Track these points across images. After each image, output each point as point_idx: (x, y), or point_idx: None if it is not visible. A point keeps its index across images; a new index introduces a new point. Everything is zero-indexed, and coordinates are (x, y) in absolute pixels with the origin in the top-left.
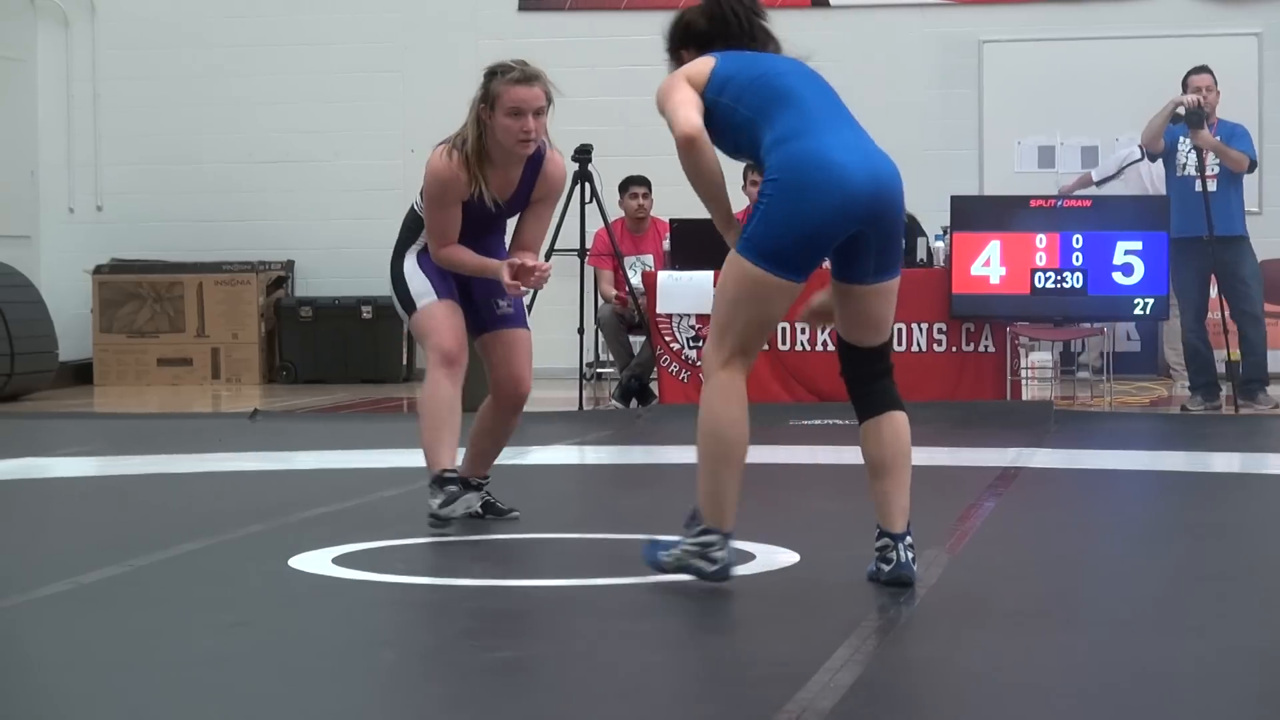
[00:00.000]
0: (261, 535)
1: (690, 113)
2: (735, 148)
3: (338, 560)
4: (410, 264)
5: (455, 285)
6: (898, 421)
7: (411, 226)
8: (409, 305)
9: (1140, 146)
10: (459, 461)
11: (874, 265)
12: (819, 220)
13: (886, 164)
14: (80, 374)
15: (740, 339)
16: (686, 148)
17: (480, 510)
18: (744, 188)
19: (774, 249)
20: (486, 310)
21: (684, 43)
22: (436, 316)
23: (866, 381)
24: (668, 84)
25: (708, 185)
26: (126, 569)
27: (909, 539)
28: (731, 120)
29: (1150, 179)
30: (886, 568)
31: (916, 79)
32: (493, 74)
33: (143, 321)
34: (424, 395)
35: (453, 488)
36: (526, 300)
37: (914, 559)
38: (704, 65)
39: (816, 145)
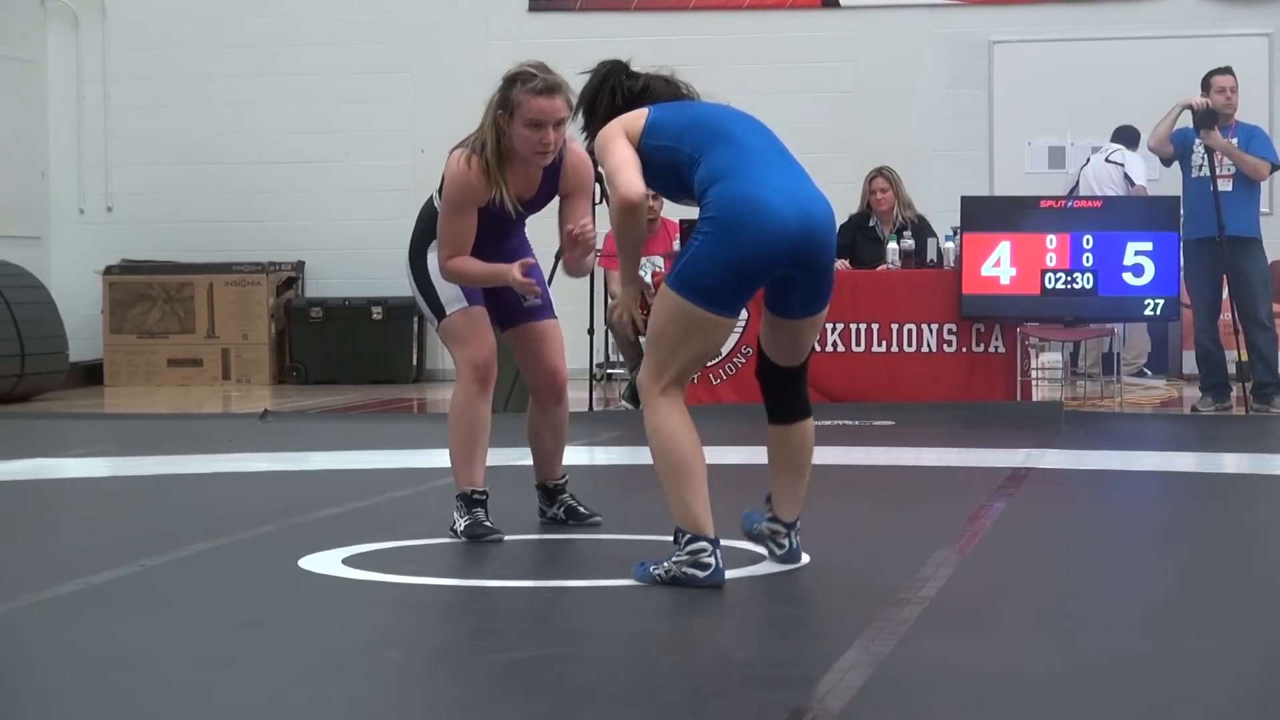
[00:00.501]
0: (271, 536)
1: (632, 175)
2: (678, 187)
3: (348, 561)
4: (435, 264)
5: (481, 289)
6: (806, 429)
7: (430, 222)
8: (438, 311)
9: (1150, 149)
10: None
11: (800, 304)
12: (747, 260)
13: (819, 205)
14: (91, 374)
15: (679, 371)
16: (629, 212)
17: (563, 516)
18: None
19: (706, 285)
20: (512, 304)
21: (612, 113)
22: (468, 326)
23: (781, 388)
24: (605, 138)
25: (634, 245)
26: (136, 569)
27: (798, 526)
28: (672, 160)
29: (1096, 180)
30: (779, 550)
31: (926, 79)
32: (513, 81)
33: (153, 322)
34: (456, 409)
35: (480, 512)
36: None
37: (799, 544)
38: (638, 116)
39: (749, 186)
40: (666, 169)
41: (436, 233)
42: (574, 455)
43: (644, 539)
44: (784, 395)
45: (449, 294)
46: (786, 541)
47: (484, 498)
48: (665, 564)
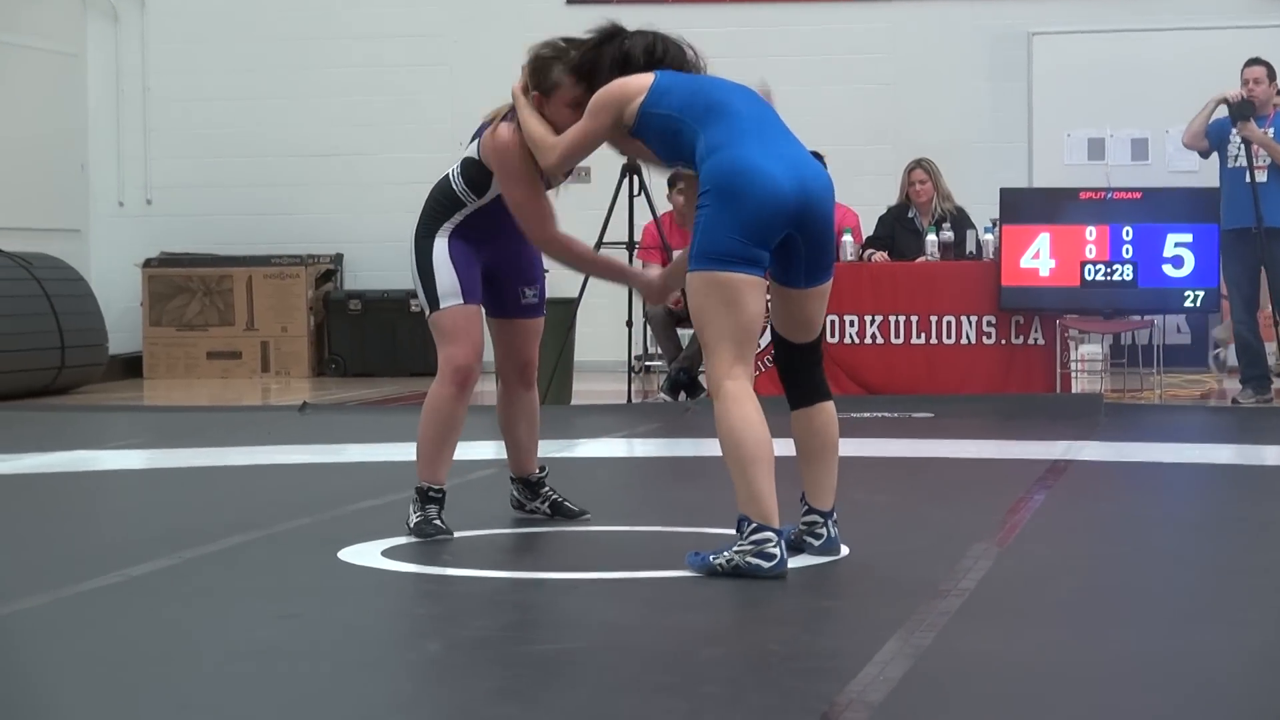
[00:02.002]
0: (310, 528)
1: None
2: (674, 153)
3: (386, 553)
4: (441, 251)
5: (480, 277)
6: (828, 411)
7: (444, 203)
8: (433, 301)
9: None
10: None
11: (805, 270)
12: (750, 220)
13: (815, 172)
14: (130, 367)
15: (733, 347)
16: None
17: (548, 511)
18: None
19: (724, 249)
20: (511, 297)
21: (619, 70)
22: (459, 324)
23: (799, 372)
24: (592, 106)
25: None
26: (176, 561)
27: (835, 516)
28: (674, 128)
29: None
30: (816, 542)
31: (966, 72)
32: (552, 61)
33: (192, 315)
34: (429, 404)
35: (434, 509)
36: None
37: (838, 534)
38: (644, 78)
39: (744, 153)
40: (667, 135)
41: (455, 210)
42: (612, 447)
43: (684, 531)
44: (802, 378)
45: (446, 286)
46: (824, 530)
47: (440, 495)
48: (727, 553)
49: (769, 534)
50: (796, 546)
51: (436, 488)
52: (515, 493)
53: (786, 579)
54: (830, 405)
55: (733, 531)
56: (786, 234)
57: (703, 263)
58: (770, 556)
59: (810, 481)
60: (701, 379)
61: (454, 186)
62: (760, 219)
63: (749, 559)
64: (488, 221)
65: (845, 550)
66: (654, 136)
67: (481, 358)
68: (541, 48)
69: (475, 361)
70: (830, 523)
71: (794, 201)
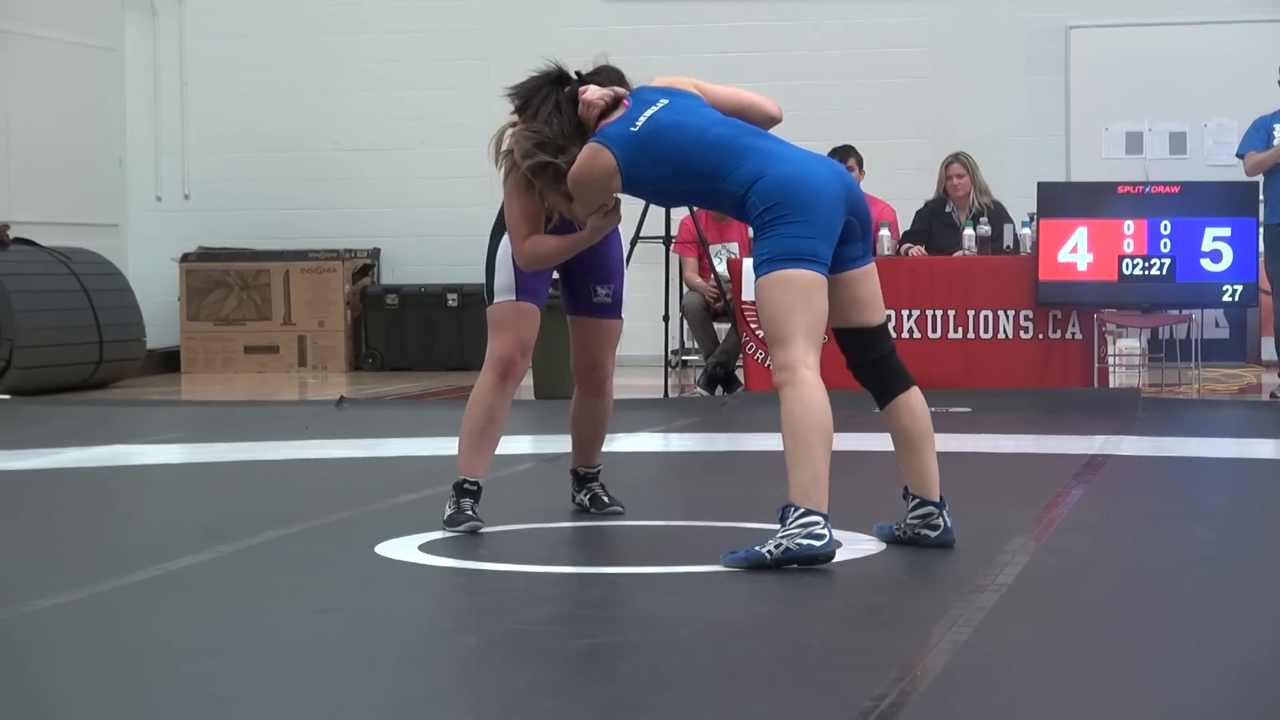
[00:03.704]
0: (348, 522)
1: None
2: (680, 200)
3: (424, 547)
4: (504, 248)
5: (545, 280)
6: (920, 397)
7: None
8: (489, 294)
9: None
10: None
11: (861, 248)
12: (822, 217)
13: (834, 161)
14: (168, 361)
15: (809, 338)
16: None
17: (587, 503)
18: None
19: (797, 249)
20: (584, 294)
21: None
22: (509, 318)
23: (879, 364)
24: (580, 191)
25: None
26: (214, 555)
27: (946, 504)
28: (674, 192)
29: None
30: (933, 533)
31: (1003, 66)
32: (547, 165)
33: (229, 309)
34: (473, 398)
35: (467, 501)
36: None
37: (953, 523)
38: (604, 164)
39: (787, 170)
40: (672, 198)
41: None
42: (649, 442)
43: (721, 526)
44: (883, 370)
45: (503, 282)
46: (940, 521)
47: (475, 489)
48: (774, 541)
49: (816, 517)
50: (911, 541)
51: (471, 480)
52: (571, 484)
53: (827, 573)
54: (916, 391)
55: (770, 526)
56: (846, 219)
57: (775, 265)
58: (820, 537)
59: (916, 473)
60: (738, 374)
61: None
62: (828, 215)
63: (799, 540)
64: (562, 220)
65: (882, 545)
66: (654, 198)
67: (527, 352)
68: (522, 139)
69: (518, 353)
70: (944, 512)
71: (838, 186)
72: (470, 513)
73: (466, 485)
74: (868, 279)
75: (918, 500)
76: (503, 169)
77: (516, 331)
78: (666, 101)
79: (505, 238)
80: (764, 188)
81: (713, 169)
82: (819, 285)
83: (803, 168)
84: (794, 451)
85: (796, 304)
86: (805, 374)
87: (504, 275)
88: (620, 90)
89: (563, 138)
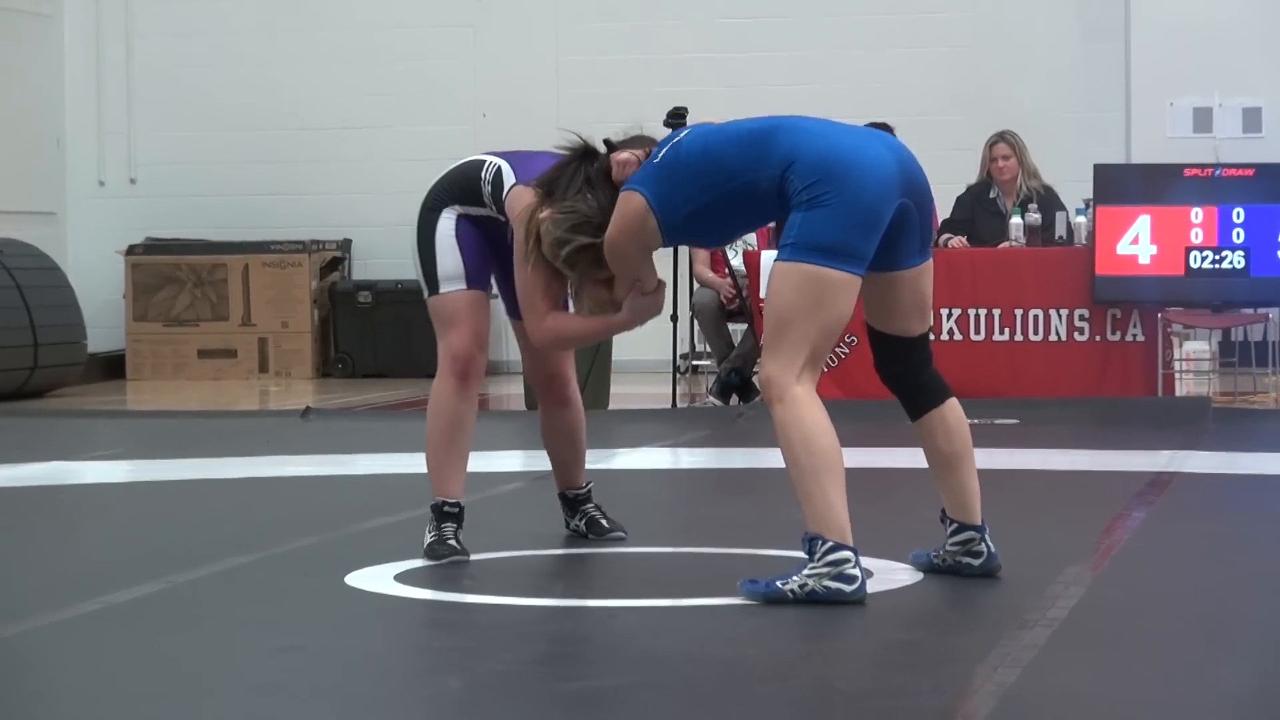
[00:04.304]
0: (315, 549)
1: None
2: (734, 228)
3: (400, 577)
4: (446, 228)
5: (494, 266)
6: (958, 409)
7: (464, 186)
8: (431, 283)
9: None
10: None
11: (919, 243)
12: (871, 198)
13: (890, 137)
14: (111, 367)
15: (813, 350)
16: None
17: (584, 529)
18: None
19: (833, 241)
20: None
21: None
22: (460, 310)
23: (916, 373)
24: (617, 259)
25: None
26: (164, 586)
27: (987, 529)
28: (712, 218)
29: None
30: (976, 561)
31: (1055, 32)
32: (584, 249)
33: (181, 308)
34: (432, 406)
35: (449, 527)
36: None
37: (996, 550)
38: (635, 208)
39: (828, 144)
40: (713, 222)
41: (477, 196)
42: (655, 458)
43: (736, 553)
44: (921, 379)
45: (450, 269)
46: (982, 548)
47: (456, 511)
48: (798, 578)
49: (846, 553)
50: (950, 570)
51: (450, 502)
52: (562, 510)
53: (844, 605)
54: (955, 403)
55: (791, 553)
56: (900, 204)
57: (801, 254)
58: (851, 579)
59: (954, 494)
60: (756, 380)
61: (482, 186)
62: (877, 200)
63: (826, 583)
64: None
65: (919, 574)
66: (699, 234)
67: (485, 346)
68: (552, 224)
69: (476, 349)
70: (986, 537)
71: (897, 166)
72: (453, 541)
73: (445, 508)
74: (921, 280)
75: (956, 525)
76: (528, 248)
77: (471, 323)
78: (687, 130)
79: (445, 217)
80: (804, 164)
81: (743, 160)
82: (847, 288)
83: (852, 141)
84: (800, 482)
85: (811, 310)
86: (797, 391)
87: (449, 260)
88: (651, 147)
89: (601, 214)
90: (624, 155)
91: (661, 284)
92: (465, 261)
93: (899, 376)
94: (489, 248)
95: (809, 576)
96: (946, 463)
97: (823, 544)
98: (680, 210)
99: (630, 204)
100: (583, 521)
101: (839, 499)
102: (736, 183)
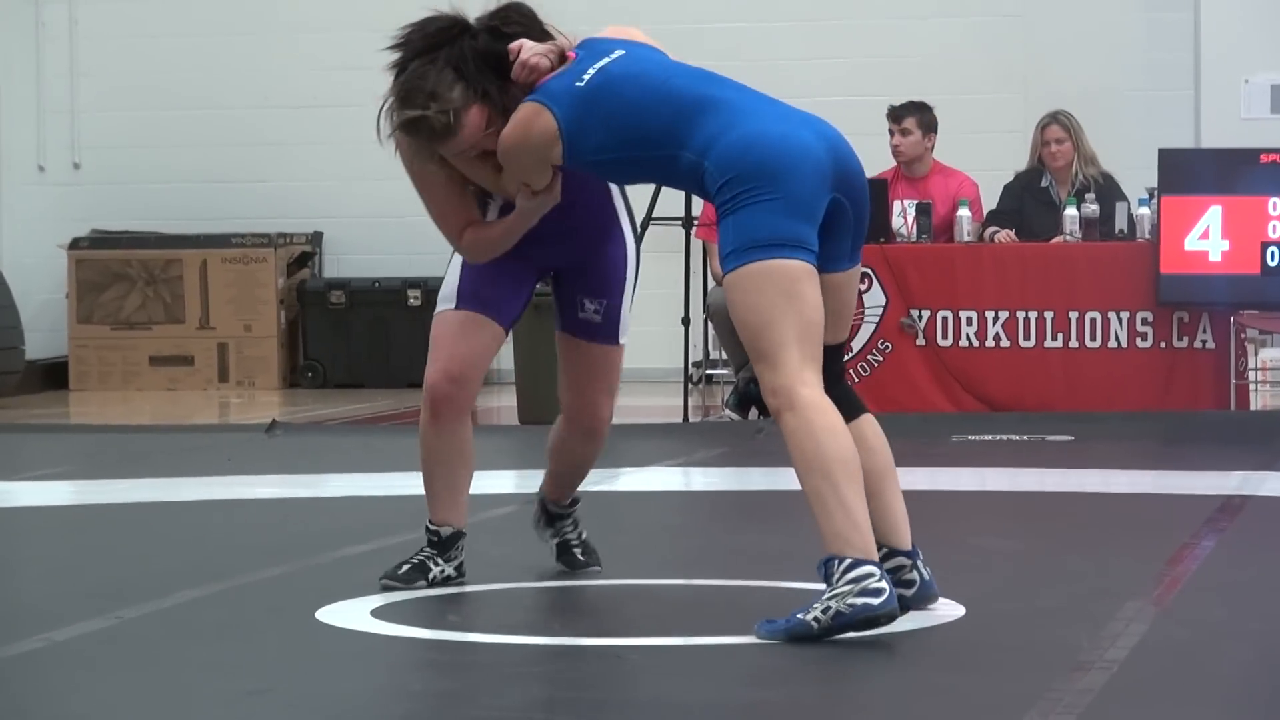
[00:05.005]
0: (282, 580)
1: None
2: (630, 176)
3: (377, 612)
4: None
5: (505, 283)
6: (876, 424)
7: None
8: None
9: None
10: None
11: (851, 242)
12: (796, 190)
13: (823, 122)
14: (52, 376)
15: (801, 347)
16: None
17: (554, 549)
18: None
19: (769, 234)
20: (569, 310)
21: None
22: (440, 336)
23: (830, 385)
24: (511, 161)
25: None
26: (113, 622)
27: (920, 554)
28: (616, 167)
29: None
30: (908, 591)
31: (1115, 1)
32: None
33: (131, 310)
34: (419, 435)
35: (424, 553)
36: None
37: (932, 576)
38: (544, 128)
39: (754, 127)
40: (619, 174)
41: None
42: (665, 478)
43: (755, 585)
44: (833, 391)
45: (448, 288)
46: (915, 574)
47: (438, 539)
48: (820, 605)
49: (869, 568)
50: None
51: (434, 527)
52: (536, 517)
53: (888, 646)
54: (873, 418)
55: (803, 585)
56: (832, 200)
57: (744, 256)
58: (878, 592)
59: (880, 516)
60: None
61: None
62: (804, 187)
63: (851, 600)
64: (554, 213)
65: (960, 609)
66: (603, 176)
67: (464, 379)
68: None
69: (444, 382)
70: (920, 562)
71: (828, 156)
72: (408, 567)
73: (429, 527)
74: (848, 286)
75: (886, 550)
76: (399, 157)
77: (445, 352)
78: (623, 52)
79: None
80: (723, 153)
81: (668, 131)
82: (808, 277)
83: (777, 127)
84: (818, 494)
85: (779, 303)
86: (805, 394)
87: (449, 275)
88: (564, 42)
89: (435, 84)
90: (530, 55)
91: (556, 176)
92: (461, 277)
93: None
94: (528, 254)
95: (831, 599)
96: (869, 483)
97: (840, 563)
98: (589, 155)
99: (540, 121)
100: (555, 542)
101: (861, 512)
102: (655, 153)
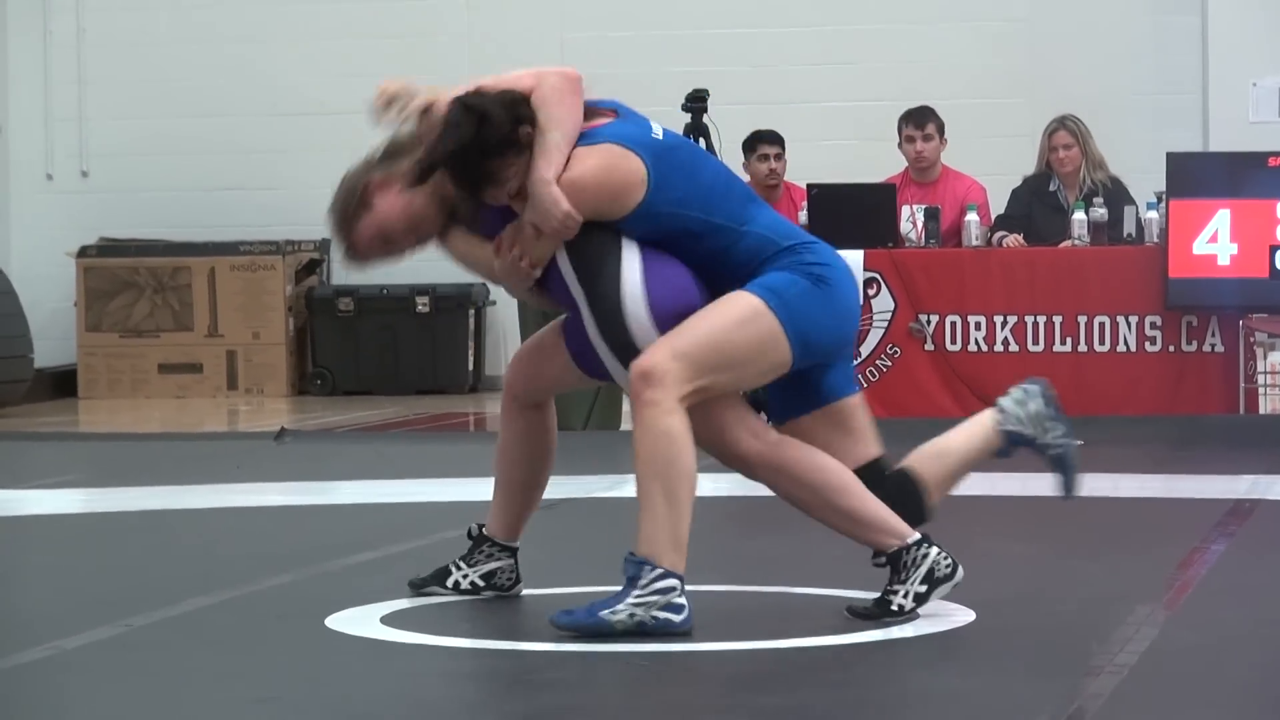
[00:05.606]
0: (291, 588)
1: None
2: (691, 252)
3: (387, 620)
4: None
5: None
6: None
7: None
8: None
9: None
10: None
11: (848, 368)
12: (851, 323)
13: None
14: (61, 384)
15: (715, 385)
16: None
17: (475, 581)
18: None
19: (810, 327)
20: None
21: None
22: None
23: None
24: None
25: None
26: (121, 630)
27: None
28: (687, 231)
29: None
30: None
31: (1123, 4)
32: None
33: (139, 318)
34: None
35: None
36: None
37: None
38: (632, 170)
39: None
40: (682, 241)
41: None
42: None
43: (763, 591)
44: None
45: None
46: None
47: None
48: (624, 606)
49: (674, 580)
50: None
51: (475, 526)
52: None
53: (899, 652)
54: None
55: (827, 591)
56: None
57: (780, 306)
58: (679, 608)
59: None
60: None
61: None
62: (850, 326)
63: (655, 613)
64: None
65: (971, 613)
66: (660, 236)
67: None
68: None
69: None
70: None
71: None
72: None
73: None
74: (863, 406)
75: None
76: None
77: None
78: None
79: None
80: (818, 248)
81: (740, 206)
82: (777, 371)
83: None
84: (651, 492)
85: (750, 358)
86: (679, 412)
87: None
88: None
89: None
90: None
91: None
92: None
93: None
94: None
95: (636, 606)
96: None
97: (651, 570)
98: (666, 208)
99: (627, 165)
100: (475, 575)
101: (686, 526)
102: (723, 223)
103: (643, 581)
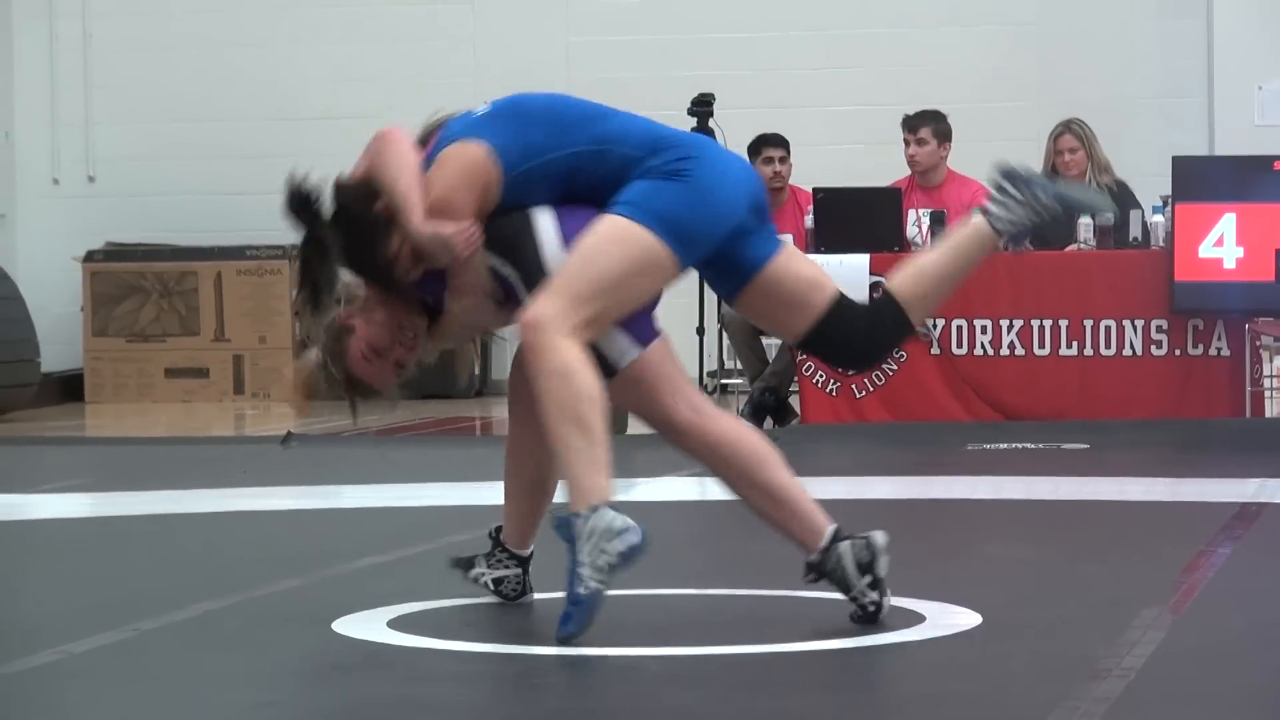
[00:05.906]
0: (298, 592)
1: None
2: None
3: (394, 624)
4: None
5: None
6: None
7: None
8: None
9: None
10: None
11: (768, 230)
12: (734, 200)
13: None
14: (68, 388)
15: (601, 311)
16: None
17: (490, 579)
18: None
19: (679, 223)
20: None
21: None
22: None
23: (861, 311)
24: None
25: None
26: (129, 634)
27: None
28: (565, 167)
29: None
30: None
31: (1128, 8)
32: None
33: (146, 322)
34: None
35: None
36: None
37: None
38: (473, 155)
39: (714, 146)
40: (554, 181)
41: None
42: (679, 488)
43: (771, 595)
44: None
45: None
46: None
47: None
48: (585, 570)
49: (600, 513)
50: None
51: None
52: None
53: (905, 656)
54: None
55: (831, 596)
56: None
57: (647, 219)
58: (623, 529)
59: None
60: (793, 402)
61: None
62: (738, 198)
63: (606, 548)
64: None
65: (977, 617)
66: (534, 188)
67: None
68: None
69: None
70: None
71: (754, 183)
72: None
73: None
74: (792, 259)
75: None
76: None
77: None
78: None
79: None
80: (681, 138)
81: (584, 128)
82: (667, 273)
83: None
84: (566, 439)
85: (627, 277)
86: (567, 343)
87: None
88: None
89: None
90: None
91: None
92: None
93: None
94: None
95: (590, 562)
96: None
97: (581, 517)
98: (523, 163)
99: (469, 151)
100: (488, 579)
101: (605, 460)
102: (585, 148)
103: (579, 536)
